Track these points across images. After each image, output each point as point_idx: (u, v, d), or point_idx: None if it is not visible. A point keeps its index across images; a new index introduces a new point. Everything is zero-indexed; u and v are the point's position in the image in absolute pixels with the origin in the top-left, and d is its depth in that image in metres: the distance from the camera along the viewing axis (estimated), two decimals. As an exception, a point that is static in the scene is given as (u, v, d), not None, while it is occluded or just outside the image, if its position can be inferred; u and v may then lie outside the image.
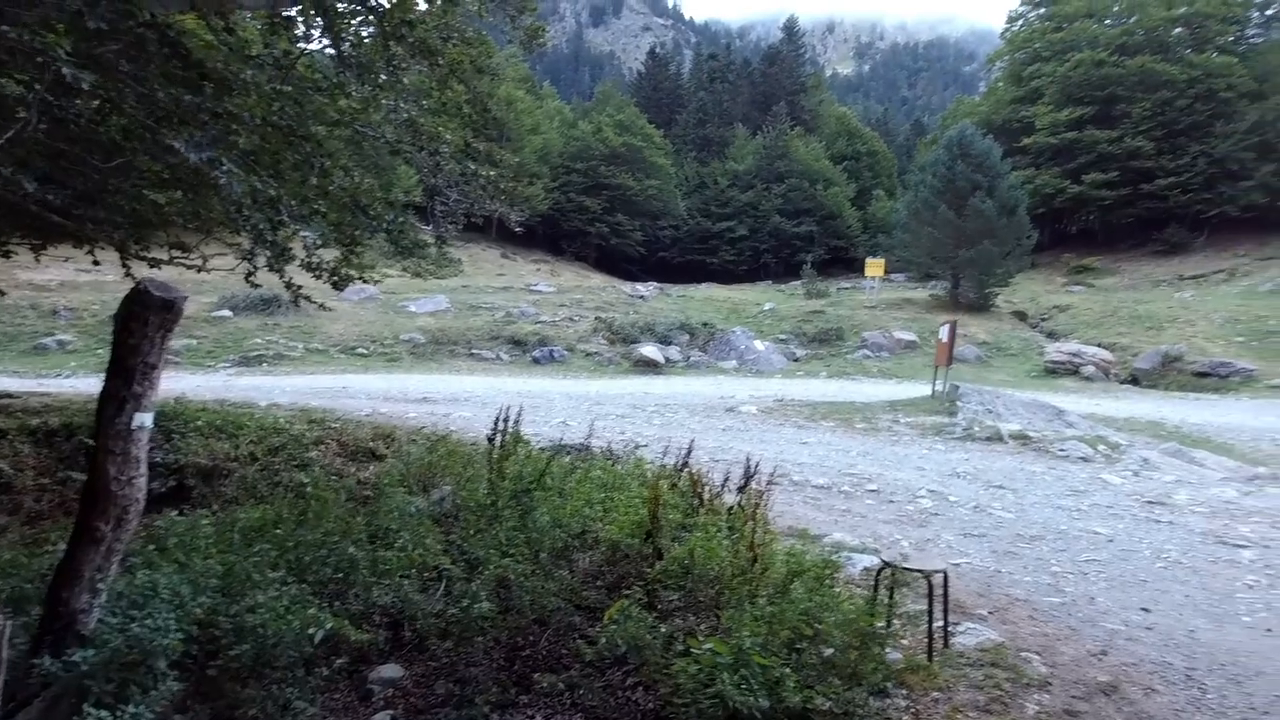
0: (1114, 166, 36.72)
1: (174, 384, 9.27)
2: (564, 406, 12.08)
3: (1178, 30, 38.13)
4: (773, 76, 61.17)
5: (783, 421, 11.00)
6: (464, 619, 3.32)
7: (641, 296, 27.62)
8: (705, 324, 21.85)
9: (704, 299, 27.84)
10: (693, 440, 5.47)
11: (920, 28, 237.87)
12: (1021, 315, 24.81)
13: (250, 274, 5.21)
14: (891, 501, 6.47)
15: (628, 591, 3.40)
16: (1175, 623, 4.05)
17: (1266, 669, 3.56)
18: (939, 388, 12.38)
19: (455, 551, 4.18)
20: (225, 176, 3.26)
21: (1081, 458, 8.23)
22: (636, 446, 6.75)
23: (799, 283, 32.70)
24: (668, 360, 19.08)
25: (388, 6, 3.81)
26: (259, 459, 6.12)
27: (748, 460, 4.51)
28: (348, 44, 3.95)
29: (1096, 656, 3.54)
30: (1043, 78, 40.50)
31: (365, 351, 18.17)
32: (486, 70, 5.40)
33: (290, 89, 3.65)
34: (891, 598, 3.59)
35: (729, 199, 50.28)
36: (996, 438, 9.14)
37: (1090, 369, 17.47)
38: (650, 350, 19.04)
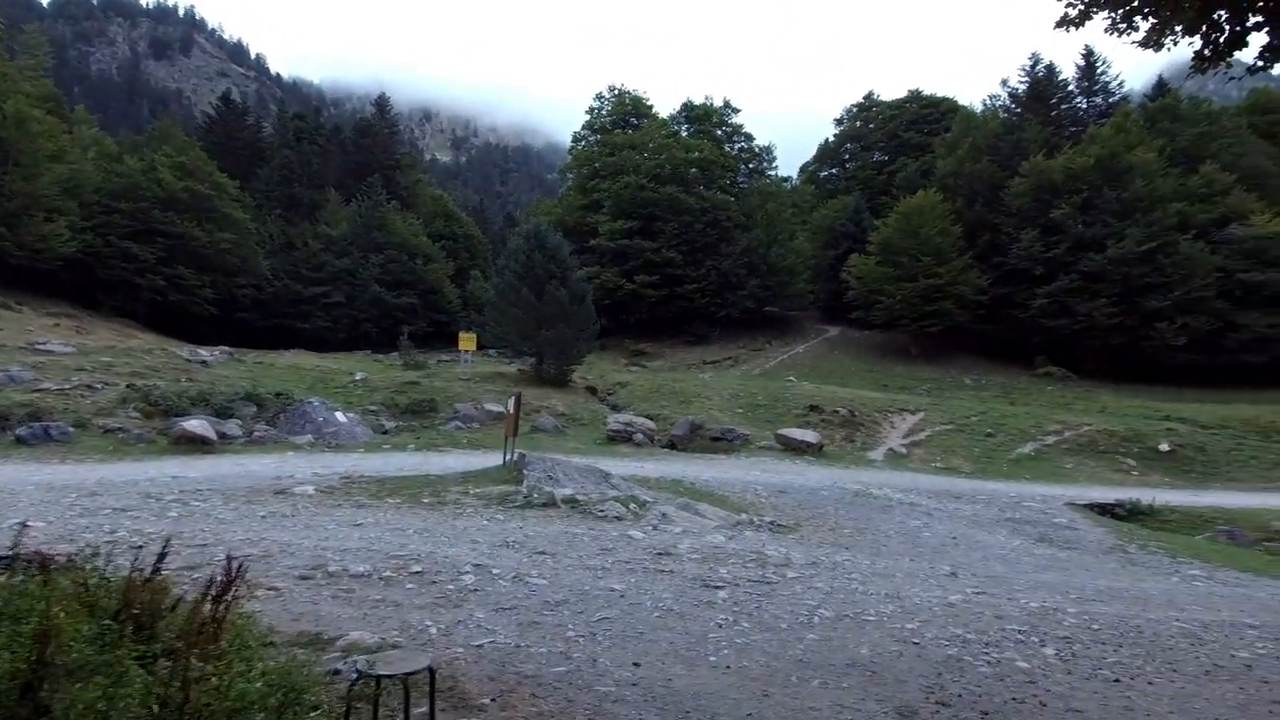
0: (656, 271, 45.43)
1: None
2: (35, 501, 9.25)
3: (693, 170, 49.53)
4: (366, 148, 60.62)
5: (341, 502, 10.00)
6: None
7: (203, 362, 23.36)
8: (279, 394, 19.22)
9: (288, 366, 24.81)
10: (169, 539, 4.39)
11: (509, 133, 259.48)
12: (593, 390, 27.81)
13: None
14: (434, 583, 6.14)
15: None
16: (658, 674, 4.42)
17: (720, 708, 3.96)
18: (509, 458, 12.79)
19: None
20: None
21: (616, 517, 9.16)
22: (98, 552, 5.18)
23: (398, 353, 31.72)
24: (223, 436, 16.11)
25: None
26: None
27: (228, 562, 3.69)
28: None
29: (584, 725, 3.63)
30: (601, 192, 48.34)
31: None
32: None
33: None
34: (376, 710, 3.16)
35: (323, 263, 47.17)
36: (551, 503, 9.67)
37: (640, 436, 20.27)
38: (198, 425, 15.83)
